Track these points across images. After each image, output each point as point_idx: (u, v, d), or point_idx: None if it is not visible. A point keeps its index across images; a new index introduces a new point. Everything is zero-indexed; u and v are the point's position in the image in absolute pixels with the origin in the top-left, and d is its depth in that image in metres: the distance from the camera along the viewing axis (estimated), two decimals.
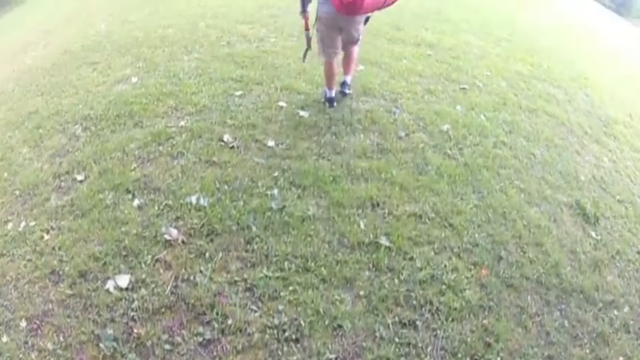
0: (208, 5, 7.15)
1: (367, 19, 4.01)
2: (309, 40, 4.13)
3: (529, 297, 2.74)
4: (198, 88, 4.05)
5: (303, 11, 3.93)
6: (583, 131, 4.73)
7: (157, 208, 2.78)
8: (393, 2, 3.66)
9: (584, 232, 3.41)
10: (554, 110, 4.89)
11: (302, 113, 3.80)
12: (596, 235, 3.42)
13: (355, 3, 3.37)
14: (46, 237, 2.64)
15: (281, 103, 3.91)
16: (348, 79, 4.19)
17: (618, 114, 5.53)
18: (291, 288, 2.43)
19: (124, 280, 2.40)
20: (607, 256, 3.28)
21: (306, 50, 4.17)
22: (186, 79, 4.24)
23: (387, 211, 2.99)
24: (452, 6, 8.40)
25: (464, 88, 4.74)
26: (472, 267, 2.76)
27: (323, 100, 4.22)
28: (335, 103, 4.13)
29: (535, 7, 11.46)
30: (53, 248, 2.56)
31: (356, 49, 4.13)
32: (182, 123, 3.54)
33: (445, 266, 2.71)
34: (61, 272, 2.43)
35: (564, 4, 15.82)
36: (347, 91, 4.14)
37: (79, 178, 3.06)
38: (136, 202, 2.84)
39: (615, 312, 2.89)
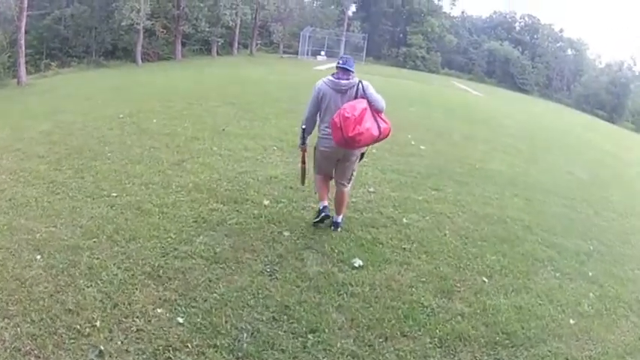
0: (118, 205, 4.87)
1: (362, 155, 4.50)
2: (304, 172, 4.78)
3: None
4: None
5: (302, 143, 4.48)
6: None
7: None
8: (386, 136, 4.19)
9: None
10: None
11: None
12: None
13: (354, 138, 3.94)
14: None
15: None
16: (340, 219, 4.60)
17: None
18: None
19: None
20: None
21: (303, 178, 4.83)
22: None
23: None
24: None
25: None
26: None
27: (319, 208, 4.51)
28: (328, 212, 4.52)
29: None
30: None
31: (347, 191, 4.56)
32: None
33: None
34: None
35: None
36: (339, 230, 4.54)
37: None
38: None
39: None
